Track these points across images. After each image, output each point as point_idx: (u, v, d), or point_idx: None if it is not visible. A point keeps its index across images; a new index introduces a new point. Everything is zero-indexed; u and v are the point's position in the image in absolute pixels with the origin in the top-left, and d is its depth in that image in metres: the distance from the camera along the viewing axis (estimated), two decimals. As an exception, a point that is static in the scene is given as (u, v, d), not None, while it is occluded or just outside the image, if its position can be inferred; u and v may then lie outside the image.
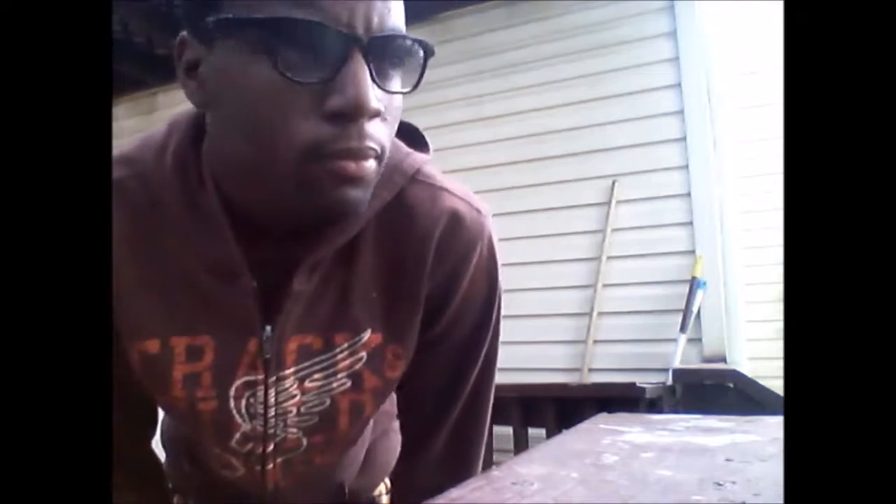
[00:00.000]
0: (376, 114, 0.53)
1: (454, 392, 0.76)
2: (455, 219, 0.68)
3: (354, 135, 0.53)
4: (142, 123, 4.56)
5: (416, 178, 0.68)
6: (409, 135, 0.72)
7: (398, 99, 0.57)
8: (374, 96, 0.53)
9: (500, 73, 3.57)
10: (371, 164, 0.55)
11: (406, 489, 0.81)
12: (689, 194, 3.16)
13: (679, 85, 3.21)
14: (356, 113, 0.52)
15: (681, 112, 3.20)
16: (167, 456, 0.90)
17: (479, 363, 0.75)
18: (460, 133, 3.50)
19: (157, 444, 0.83)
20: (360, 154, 0.54)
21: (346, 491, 0.86)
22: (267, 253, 0.63)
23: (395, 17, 0.55)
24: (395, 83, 0.56)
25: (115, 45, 3.96)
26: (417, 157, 0.69)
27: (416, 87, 0.57)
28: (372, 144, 0.54)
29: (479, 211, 0.71)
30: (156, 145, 0.65)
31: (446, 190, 0.70)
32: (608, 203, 3.30)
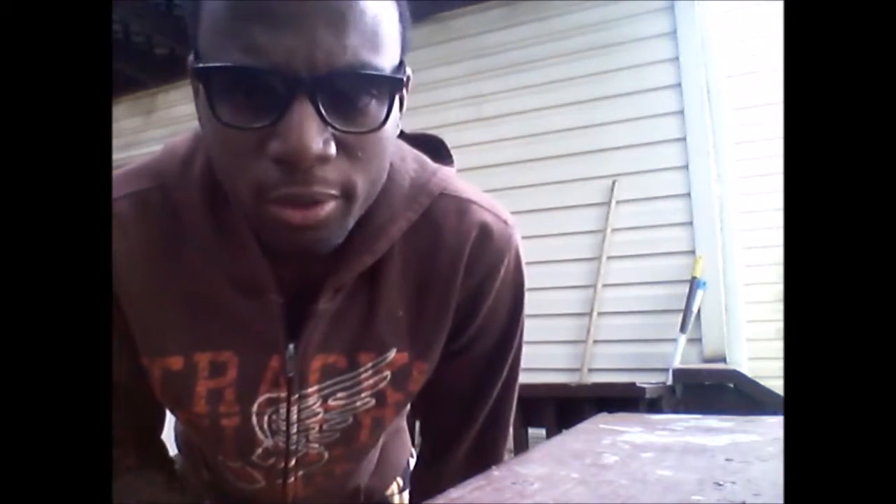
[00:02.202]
0: (322, 158, 0.51)
1: (478, 402, 0.75)
2: (484, 232, 0.67)
3: (299, 180, 0.51)
4: (142, 123, 4.57)
5: (443, 193, 0.67)
6: (433, 147, 0.72)
7: (373, 135, 0.54)
8: (323, 139, 0.50)
9: (500, 73, 3.58)
10: (327, 207, 0.53)
11: (427, 494, 0.79)
12: (689, 194, 3.16)
13: (679, 85, 3.21)
14: (296, 159, 0.50)
15: (681, 112, 3.20)
16: (182, 457, 0.90)
17: (504, 374, 0.75)
18: (460, 133, 3.50)
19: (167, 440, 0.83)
20: (306, 199, 0.52)
21: (362, 492, 0.86)
22: (292, 271, 0.63)
23: (353, 50, 0.50)
24: (360, 120, 0.52)
25: (115, 45, 3.97)
26: (443, 173, 0.68)
27: (383, 124, 0.53)
28: (324, 189, 0.52)
29: (506, 222, 0.70)
30: (181, 158, 0.64)
31: (474, 202, 0.69)
32: (608, 203, 3.30)
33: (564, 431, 0.79)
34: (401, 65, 0.55)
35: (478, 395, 0.75)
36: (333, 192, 0.53)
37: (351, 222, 0.57)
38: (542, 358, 3.16)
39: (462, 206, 0.68)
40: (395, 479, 0.92)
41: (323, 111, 0.50)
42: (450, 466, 0.77)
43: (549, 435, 2.57)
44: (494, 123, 3.56)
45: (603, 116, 3.34)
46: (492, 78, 3.59)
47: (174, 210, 0.63)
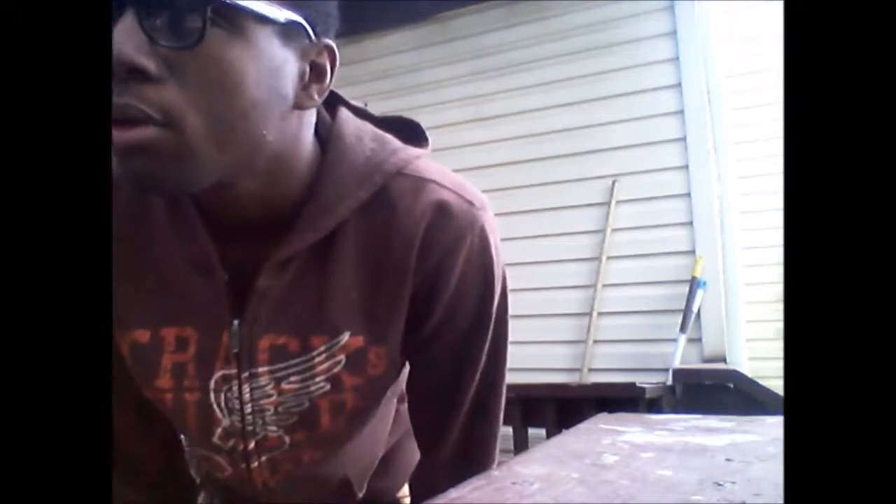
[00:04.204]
0: (136, 70, 0.49)
1: (457, 393, 0.73)
2: (441, 211, 0.65)
3: (116, 92, 0.49)
4: (142, 123, 4.56)
5: (402, 172, 0.66)
6: (407, 129, 0.71)
7: (210, 60, 0.51)
8: (141, 51, 0.49)
9: (500, 73, 3.58)
10: (146, 132, 0.51)
11: (420, 492, 0.78)
12: (689, 194, 3.16)
13: (679, 85, 3.21)
14: (113, 66, 0.49)
15: (681, 112, 3.20)
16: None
17: (482, 362, 0.72)
18: (460, 133, 3.50)
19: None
20: (119, 114, 0.50)
21: (355, 488, 0.84)
22: (238, 249, 0.63)
23: None
24: (183, 39, 0.50)
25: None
26: (408, 152, 0.67)
27: (197, 42, 0.50)
28: (136, 104, 0.50)
29: (470, 202, 0.67)
30: None
31: (434, 182, 0.66)
32: (608, 203, 3.30)
33: (564, 431, 0.79)
34: (312, 30, 0.56)
35: (456, 386, 0.72)
36: (151, 113, 0.51)
37: (199, 166, 0.54)
38: (542, 358, 3.16)
39: (419, 185, 0.66)
40: (406, 480, 0.91)
41: (144, 24, 0.49)
42: (439, 461, 0.75)
43: (549, 435, 2.56)
44: (494, 123, 3.55)
45: (603, 116, 3.34)
46: (492, 78, 3.59)
47: (141, 193, 0.65)
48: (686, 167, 3.17)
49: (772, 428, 0.71)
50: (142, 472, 0.78)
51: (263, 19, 0.53)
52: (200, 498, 0.89)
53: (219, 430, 0.71)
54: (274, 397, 0.69)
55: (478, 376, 0.73)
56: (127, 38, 0.49)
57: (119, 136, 0.51)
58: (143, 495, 0.78)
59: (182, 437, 0.88)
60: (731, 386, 2.77)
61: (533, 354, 3.11)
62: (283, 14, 0.54)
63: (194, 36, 0.50)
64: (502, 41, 3.58)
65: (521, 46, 3.54)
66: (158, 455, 0.80)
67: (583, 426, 0.78)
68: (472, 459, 0.75)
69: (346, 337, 0.67)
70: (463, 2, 3.63)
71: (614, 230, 3.28)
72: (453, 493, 0.49)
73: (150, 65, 0.50)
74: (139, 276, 0.66)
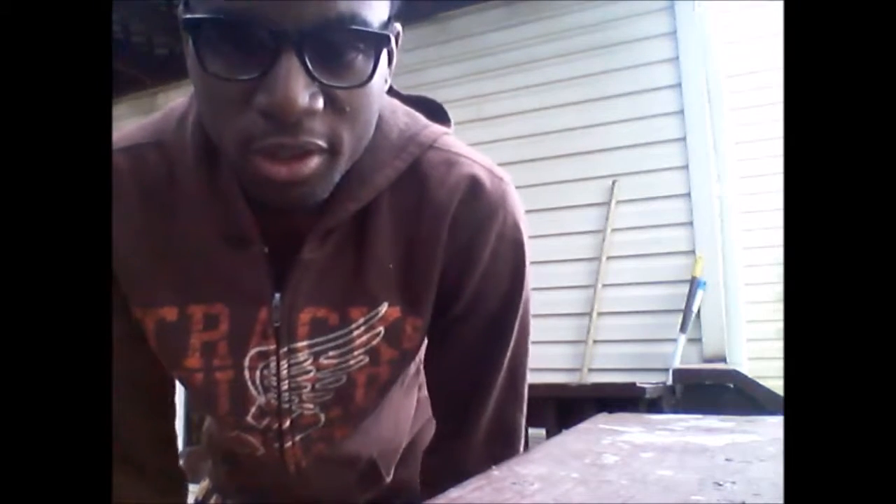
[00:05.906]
0: (309, 112, 0.51)
1: (491, 371, 0.72)
2: (474, 185, 0.66)
3: (286, 131, 0.52)
4: (142, 123, 4.56)
5: (433, 146, 0.67)
6: (430, 109, 0.72)
7: (365, 90, 0.54)
8: (310, 93, 0.51)
9: (500, 73, 3.58)
10: (313, 162, 0.54)
11: (454, 476, 0.73)
12: (689, 194, 3.16)
13: (679, 85, 3.21)
14: (282, 112, 0.50)
15: (681, 112, 3.20)
16: (210, 458, 0.90)
17: (513, 340, 0.71)
18: (460, 133, 3.46)
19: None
20: (294, 151, 0.52)
21: (382, 470, 0.83)
22: (279, 221, 0.63)
23: (340, 4, 0.50)
24: (346, 75, 0.53)
25: (115, 45, 3.96)
26: (436, 128, 0.68)
27: (369, 79, 0.53)
28: (311, 139, 0.52)
29: (500, 178, 0.68)
30: (178, 115, 0.65)
31: (465, 157, 0.67)
32: (608, 203, 3.30)
33: (564, 431, 0.78)
34: (389, 21, 0.56)
35: (490, 363, 0.71)
36: (321, 143, 0.53)
37: (336, 177, 0.57)
38: (542, 358, 3.16)
39: (451, 158, 0.67)
40: None
41: (309, 65, 0.50)
42: (471, 446, 0.73)
43: (549, 435, 2.56)
44: (494, 123, 3.56)
45: (603, 116, 3.34)
46: (492, 78, 3.59)
47: (169, 165, 0.64)
48: (686, 167, 3.17)
49: (772, 428, 0.71)
50: (143, 471, 0.77)
51: (394, 39, 0.56)
52: (213, 499, 0.89)
53: (253, 409, 0.70)
54: (312, 373, 0.68)
55: (509, 352, 0.72)
56: (295, 82, 0.50)
57: (284, 170, 0.53)
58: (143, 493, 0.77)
59: (205, 426, 0.88)
60: (731, 386, 2.77)
61: (533, 354, 3.09)
62: (399, 26, 0.58)
63: (364, 76, 0.53)
64: (502, 41, 3.58)
65: (521, 46, 3.54)
66: (162, 454, 0.79)
67: (583, 426, 0.78)
68: (506, 440, 0.74)
69: (384, 308, 0.67)
70: (463, 2, 3.63)
71: (614, 230, 3.29)
72: (454, 493, 0.49)
73: (319, 103, 0.52)
74: (165, 252, 0.65)
